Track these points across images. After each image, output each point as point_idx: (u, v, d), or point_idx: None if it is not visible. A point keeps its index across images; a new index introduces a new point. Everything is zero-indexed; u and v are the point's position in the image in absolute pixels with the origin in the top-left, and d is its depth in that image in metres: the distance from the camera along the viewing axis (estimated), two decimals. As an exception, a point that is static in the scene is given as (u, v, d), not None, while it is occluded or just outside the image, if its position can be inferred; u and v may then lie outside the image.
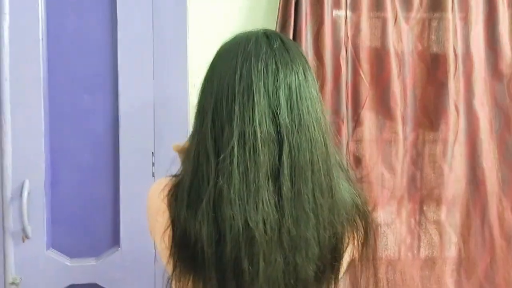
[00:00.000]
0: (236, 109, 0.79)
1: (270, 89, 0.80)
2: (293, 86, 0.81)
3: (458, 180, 1.64)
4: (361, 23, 1.58)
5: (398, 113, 1.60)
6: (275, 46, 0.84)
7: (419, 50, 1.62)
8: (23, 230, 1.46)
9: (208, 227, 0.79)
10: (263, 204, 0.77)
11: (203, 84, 0.87)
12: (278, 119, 0.79)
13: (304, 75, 0.84)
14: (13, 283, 1.48)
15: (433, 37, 1.63)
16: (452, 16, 1.59)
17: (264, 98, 0.80)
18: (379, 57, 1.60)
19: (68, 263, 1.51)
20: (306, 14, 1.51)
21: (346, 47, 1.57)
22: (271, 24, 1.53)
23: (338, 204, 0.83)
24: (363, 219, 0.89)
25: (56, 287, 1.51)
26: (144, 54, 1.50)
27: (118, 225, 1.51)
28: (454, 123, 1.62)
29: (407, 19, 1.60)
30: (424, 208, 1.66)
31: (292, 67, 0.82)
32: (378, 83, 1.60)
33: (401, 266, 1.65)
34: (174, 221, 0.83)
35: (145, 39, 1.50)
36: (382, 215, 1.65)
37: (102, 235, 1.53)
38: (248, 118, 0.79)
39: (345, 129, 1.57)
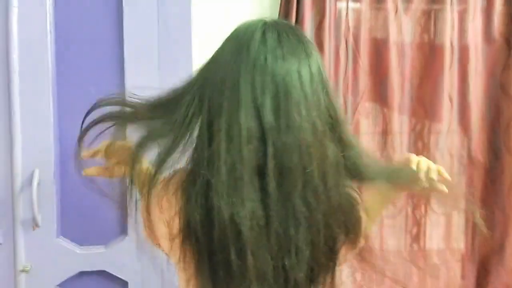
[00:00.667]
0: (225, 102, 0.79)
1: (256, 85, 0.78)
2: (281, 84, 0.78)
3: (449, 169, 1.67)
4: (362, 14, 1.60)
5: (395, 104, 1.63)
6: (269, 41, 0.80)
7: (417, 41, 1.65)
8: (33, 218, 1.49)
9: (200, 215, 0.79)
10: (248, 201, 0.77)
11: (203, 73, 0.86)
12: (262, 117, 0.77)
13: (299, 73, 0.79)
14: (23, 271, 1.51)
15: (432, 29, 1.65)
16: (451, 9, 1.61)
17: (248, 94, 0.78)
18: (379, 48, 1.63)
19: (78, 251, 1.55)
20: (308, 6, 1.53)
21: (346, 39, 1.60)
22: (274, 15, 1.55)
23: (335, 209, 0.81)
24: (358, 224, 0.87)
25: (65, 274, 1.55)
26: (149, 46, 1.53)
27: (126, 213, 1.54)
28: (448, 113, 1.64)
29: (407, 11, 1.62)
30: (422, 200, 1.69)
31: (282, 64, 0.78)
32: (377, 74, 1.63)
33: (404, 257, 1.69)
34: (180, 208, 0.84)
35: (150, 31, 1.52)
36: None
37: (110, 223, 1.56)
38: (234, 113, 0.77)
39: None
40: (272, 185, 0.77)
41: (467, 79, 1.64)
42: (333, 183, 0.81)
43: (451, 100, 1.65)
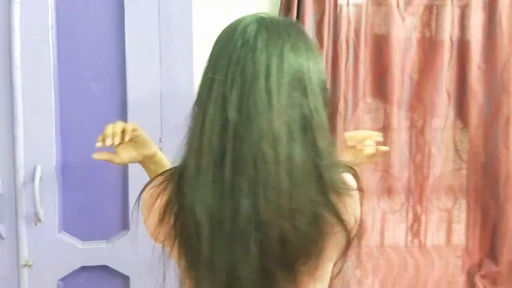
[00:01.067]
0: (203, 92, 0.82)
1: (228, 77, 0.79)
2: (248, 80, 0.78)
3: (447, 165, 1.68)
4: (363, 10, 1.60)
5: (395, 100, 1.63)
6: (247, 34, 0.81)
7: (419, 36, 1.64)
8: (35, 213, 1.50)
9: (180, 201, 0.82)
10: (204, 189, 0.78)
11: None
12: (227, 109, 0.78)
13: (267, 67, 0.78)
14: (26, 265, 1.52)
15: (433, 24, 1.64)
16: (452, 4, 1.60)
17: (220, 86, 0.79)
18: (380, 43, 1.62)
19: (79, 246, 1.56)
20: (309, 2, 1.53)
21: (347, 35, 1.59)
22: (275, 13, 1.56)
23: (293, 213, 0.77)
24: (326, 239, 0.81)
25: (67, 268, 1.56)
26: (151, 42, 1.53)
27: (127, 209, 1.55)
28: (445, 109, 1.65)
29: (408, 6, 1.62)
30: (422, 195, 1.69)
31: (253, 57, 0.79)
32: (378, 69, 1.63)
33: (406, 253, 1.69)
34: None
35: (152, 28, 1.53)
36: (386, 203, 1.69)
37: (112, 218, 1.57)
38: (207, 103, 0.80)
39: (342, 116, 1.61)
40: (227, 174, 0.78)
41: (467, 75, 1.64)
42: (293, 192, 0.77)
43: (449, 95, 1.65)
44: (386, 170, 1.66)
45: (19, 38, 1.48)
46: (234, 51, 0.80)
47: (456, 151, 1.70)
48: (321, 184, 0.80)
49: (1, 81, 1.48)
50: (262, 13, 0.86)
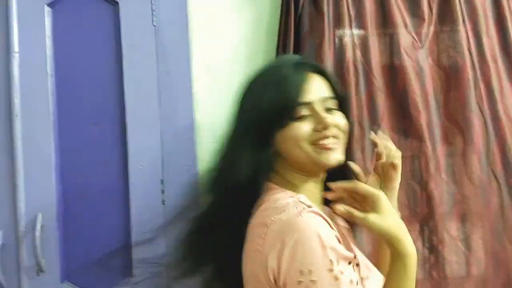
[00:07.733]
0: None
1: None
2: None
3: (490, 192, 1.58)
4: (368, 39, 1.56)
5: (423, 122, 1.55)
6: None
7: (433, 58, 1.59)
8: (37, 264, 1.46)
9: None
10: None
11: None
12: None
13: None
14: (29, 318, 1.47)
15: (447, 46, 1.60)
16: (462, 27, 1.57)
17: None
18: (392, 69, 1.57)
19: (82, 297, 1.51)
20: (307, 32, 1.51)
21: (355, 63, 1.55)
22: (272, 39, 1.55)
23: None
24: None
25: (71, 321, 1.50)
26: (149, 84, 1.52)
27: (130, 255, 1.50)
28: (482, 130, 1.56)
29: (418, 34, 1.58)
30: (454, 224, 1.59)
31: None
32: (394, 93, 1.57)
33: (427, 286, 1.60)
34: None
35: (150, 69, 1.52)
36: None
37: (115, 266, 1.52)
38: None
39: (359, 144, 1.53)
40: None
41: (494, 93, 1.55)
42: None
43: (483, 115, 1.56)
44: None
45: (19, 86, 1.49)
46: None
47: (497, 175, 1.59)
48: None
49: (1, 129, 1.49)
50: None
